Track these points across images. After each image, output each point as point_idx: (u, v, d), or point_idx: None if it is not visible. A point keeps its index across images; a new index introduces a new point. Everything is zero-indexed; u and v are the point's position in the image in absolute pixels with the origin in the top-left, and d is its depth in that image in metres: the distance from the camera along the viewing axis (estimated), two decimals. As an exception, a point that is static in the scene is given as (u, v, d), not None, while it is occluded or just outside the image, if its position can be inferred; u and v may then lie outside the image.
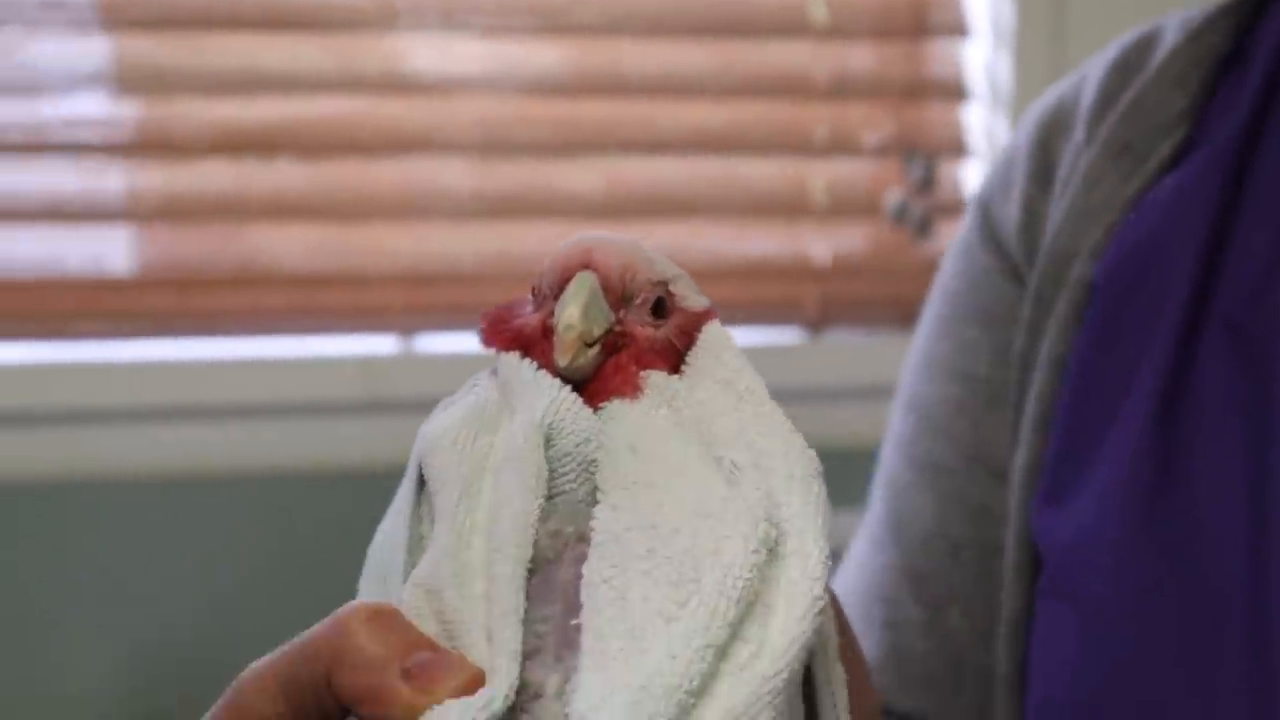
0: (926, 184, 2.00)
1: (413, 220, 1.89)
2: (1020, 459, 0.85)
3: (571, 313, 0.56)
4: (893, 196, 2.00)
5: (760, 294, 2.00)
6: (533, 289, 0.59)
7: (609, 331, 0.58)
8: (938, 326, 0.93)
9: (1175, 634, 0.77)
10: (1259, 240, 0.81)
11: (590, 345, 0.57)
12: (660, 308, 0.59)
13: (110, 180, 1.82)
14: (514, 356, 0.58)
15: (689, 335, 0.59)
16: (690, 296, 0.60)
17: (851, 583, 0.92)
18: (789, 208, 2.01)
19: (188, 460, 1.78)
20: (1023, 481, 0.84)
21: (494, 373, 0.59)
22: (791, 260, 2.01)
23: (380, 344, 1.90)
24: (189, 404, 1.80)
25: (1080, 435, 0.83)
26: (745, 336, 2.05)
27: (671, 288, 0.60)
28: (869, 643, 0.88)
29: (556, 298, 0.58)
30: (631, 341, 0.58)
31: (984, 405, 0.89)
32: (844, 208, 2.01)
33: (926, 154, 2.00)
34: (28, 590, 1.72)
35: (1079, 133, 0.89)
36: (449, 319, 1.88)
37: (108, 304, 1.83)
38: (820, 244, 2.02)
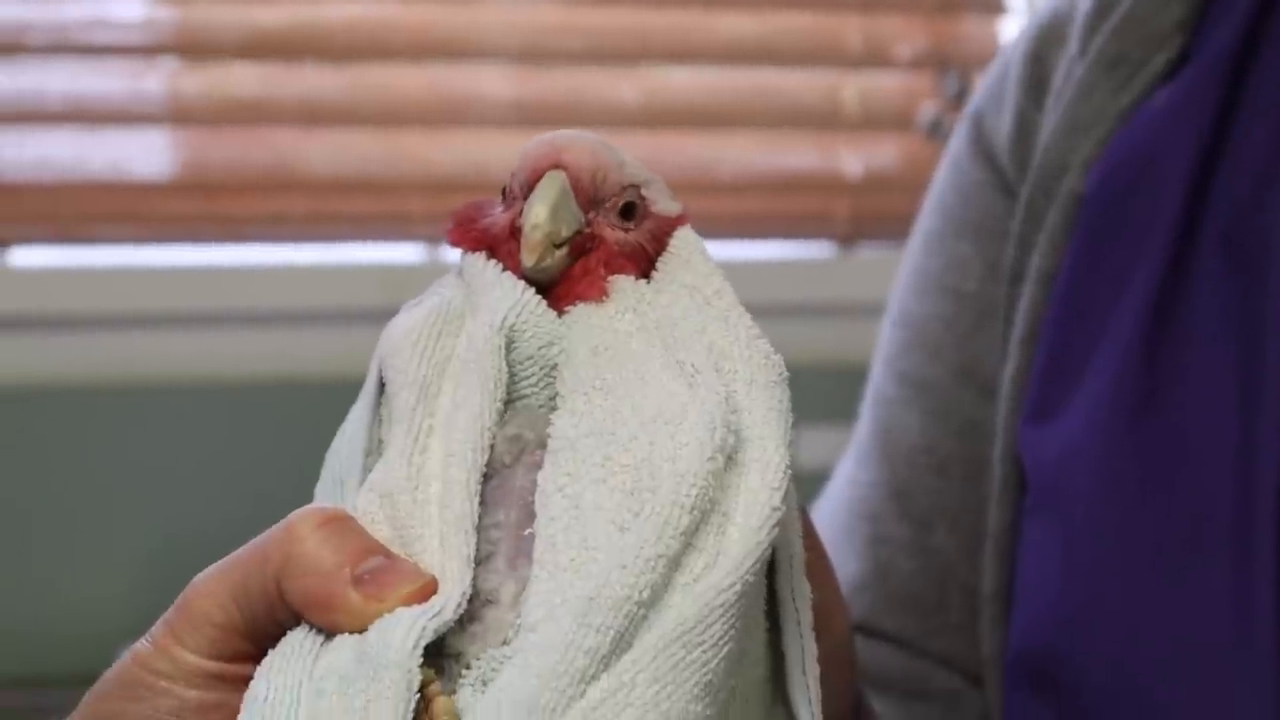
0: (961, 98, 1.97)
1: (444, 128, 1.87)
2: (1008, 374, 0.83)
3: (539, 212, 0.55)
4: (926, 110, 1.97)
5: (791, 207, 1.98)
6: (503, 189, 0.58)
7: (578, 233, 0.56)
8: (928, 242, 0.92)
9: (1159, 551, 0.76)
10: (1253, 154, 0.79)
11: (558, 247, 0.55)
12: (631, 211, 0.57)
13: (145, 83, 1.80)
14: (479, 256, 0.56)
15: (660, 240, 0.57)
16: (662, 201, 0.58)
17: (837, 500, 0.90)
18: (821, 120, 1.99)
19: (215, 365, 1.77)
20: (1010, 397, 0.83)
21: (459, 273, 0.58)
22: (823, 174, 1.99)
23: (407, 252, 1.89)
24: (218, 310, 1.79)
25: (1068, 351, 0.81)
26: (775, 250, 2.05)
27: (644, 191, 0.58)
28: (854, 561, 0.86)
29: (525, 198, 0.56)
30: (600, 244, 0.56)
31: (973, 321, 0.87)
32: (876, 121, 1.99)
33: (961, 68, 1.98)
34: (61, 491, 1.72)
35: (1073, 44, 0.87)
36: (478, 227, 1.86)
37: (139, 208, 1.81)
38: (852, 158, 1.99)
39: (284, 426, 1.69)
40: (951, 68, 1.97)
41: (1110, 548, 0.77)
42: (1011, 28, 2.00)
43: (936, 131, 1.97)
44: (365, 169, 1.85)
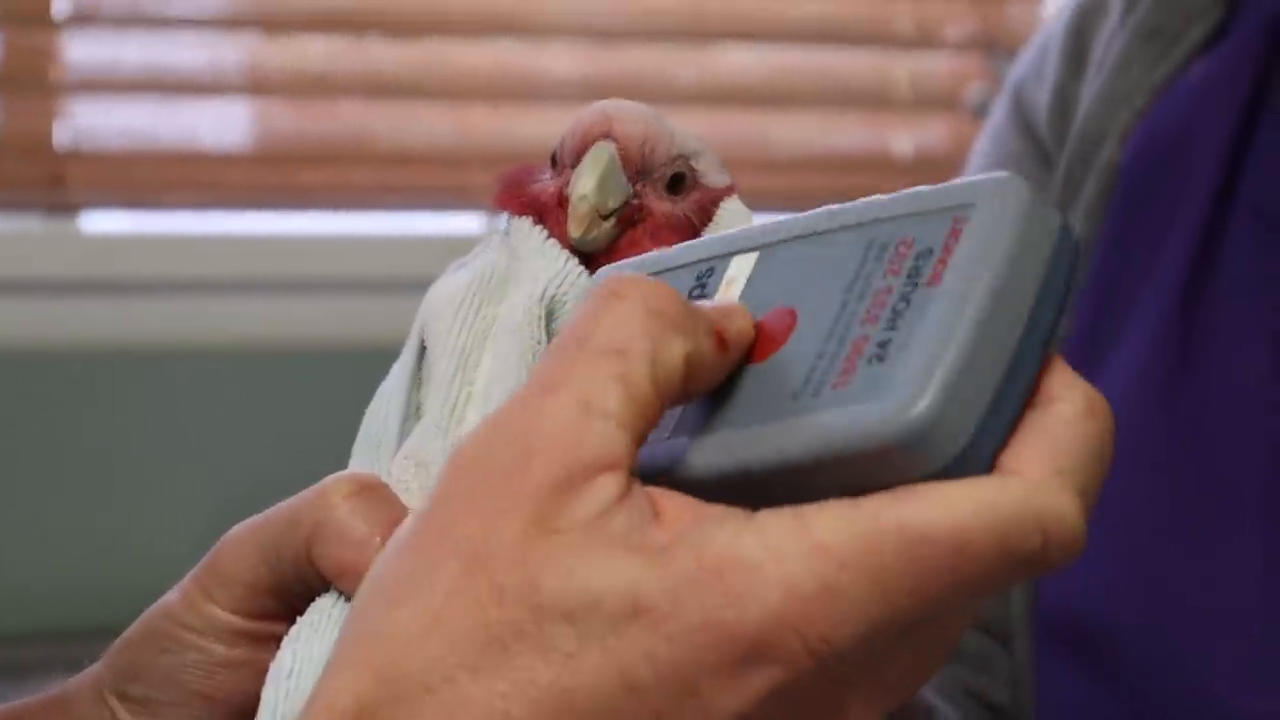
0: (1007, 79, 1.94)
1: (507, 103, 1.85)
2: None
3: (586, 183, 0.53)
4: (974, 91, 1.95)
5: (843, 184, 1.96)
6: (552, 155, 0.56)
7: (626, 205, 0.54)
8: None
9: (1191, 513, 0.75)
10: None
11: (605, 218, 0.53)
12: (679, 183, 0.55)
13: (220, 56, 1.79)
14: (526, 222, 0.55)
15: (708, 212, 0.56)
16: (711, 173, 0.56)
17: None
18: (873, 100, 1.97)
19: (285, 331, 1.77)
20: None
21: (505, 238, 0.55)
22: (874, 152, 1.97)
23: (469, 223, 1.87)
24: (287, 277, 1.78)
25: (1104, 317, 0.80)
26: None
27: (693, 162, 0.56)
28: None
29: (574, 167, 0.54)
30: (648, 216, 0.54)
31: None
32: (926, 101, 1.97)
33: (1007, 50, 1.95)
34: (129, 449, 1.72)
35: (1114, 17, 0.85)
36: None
37: (211, 177, 1.80)
38: (902, 137, 1.97)
39: (350, 391, 1.67)
40: (998, 49, 1.95)
41: (1143, 510, 0.76)
42: (1054, 9, 1.97)
43: (983, 112, 1.94)
44: (430, 142, 1.84)
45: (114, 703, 0.54)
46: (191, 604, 0.52)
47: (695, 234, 0.55)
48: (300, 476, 0.53)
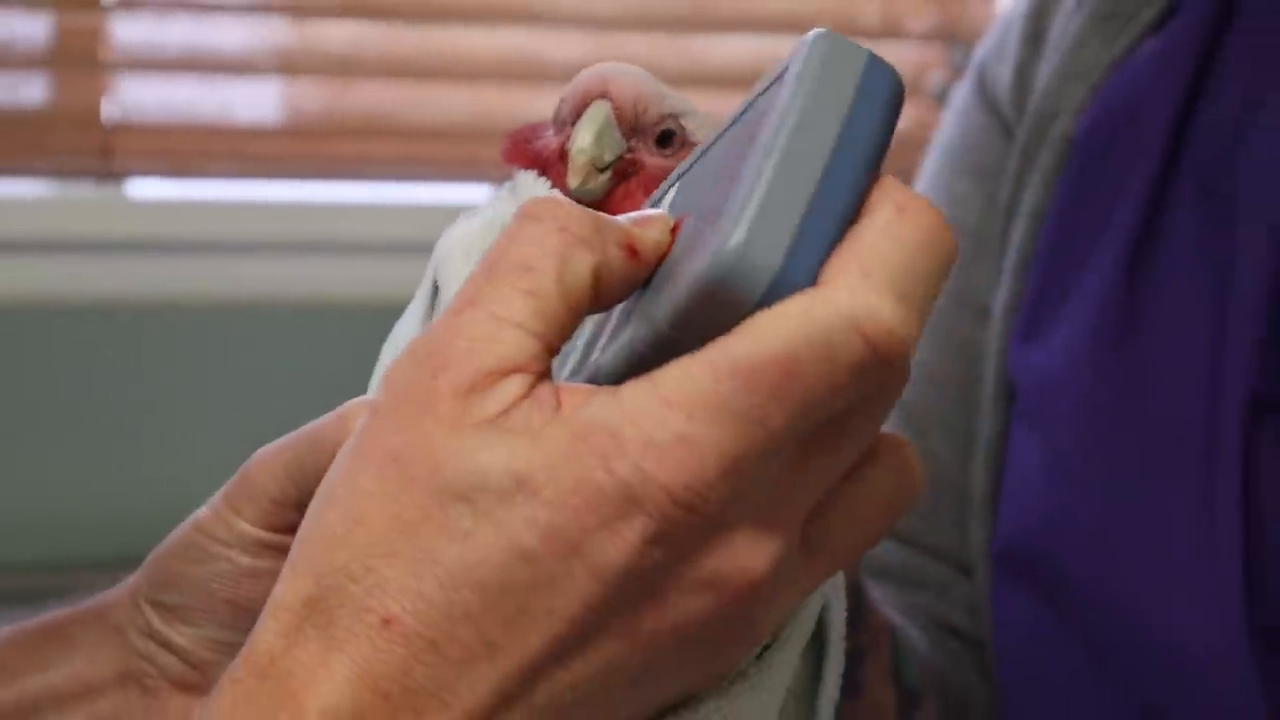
0: (965, 68, 1.92)
1: (514, 84, 1.84)
2: (1001, 299, 0.82)
3: (584, 138, 0.53)
4: (935, 78, 1.93)
5: (816, 161, 1.95)
6: (554, 114, 0.55)
7: (620, 159, 0.53)
8: (932, 180, 0.90)
9: (1133, 461, 0.74)
10: (1229, 104, 0.77)
11: (601, 171, 0.53)
12: (669, 139, 0.55)
13: (254, 38, 1.78)
14: (530, 175, 0.54)
15: None
16: (699, 131, 0.56)
17: None
18: (844, 86, 1.95)
19: (309, 289, 1.75)
20: (1002, 319, 0.81)
21: (512, 189, 0.55)
22: (844, 132, 1.96)
23: (479, 193, 1.86)
24: (312, 240, 1.77)
25: (1056, 278, 0.79)
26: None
27: (682, 121, 0.56)
28: None
29: (573, 124, 0.54)
30: (641, 170, 0.54)
31: (971, 251, 0.85)
32: (892, 87, 1.95)
33: (965, 41, 1.94)
34: (169, 396, 1.71)
35: (1070, 1, 0.84)
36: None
37: (244, 148, 1.79)
38: (870, 119, 1.96)
39: (366, 344, 1.67)
40: (956, 41, 1.94)
41: (1089, 456, 0.75)
42: (1010, 5, 1.95)
43: (943, 97, 1.93)
44: (445, 119, 1.82)
45: (148, 610, 0.53)
46: (221, 518, 0.51)
47: None
48: (317, 415, 0.52)
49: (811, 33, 0.42)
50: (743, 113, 0.45)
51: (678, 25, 1.89)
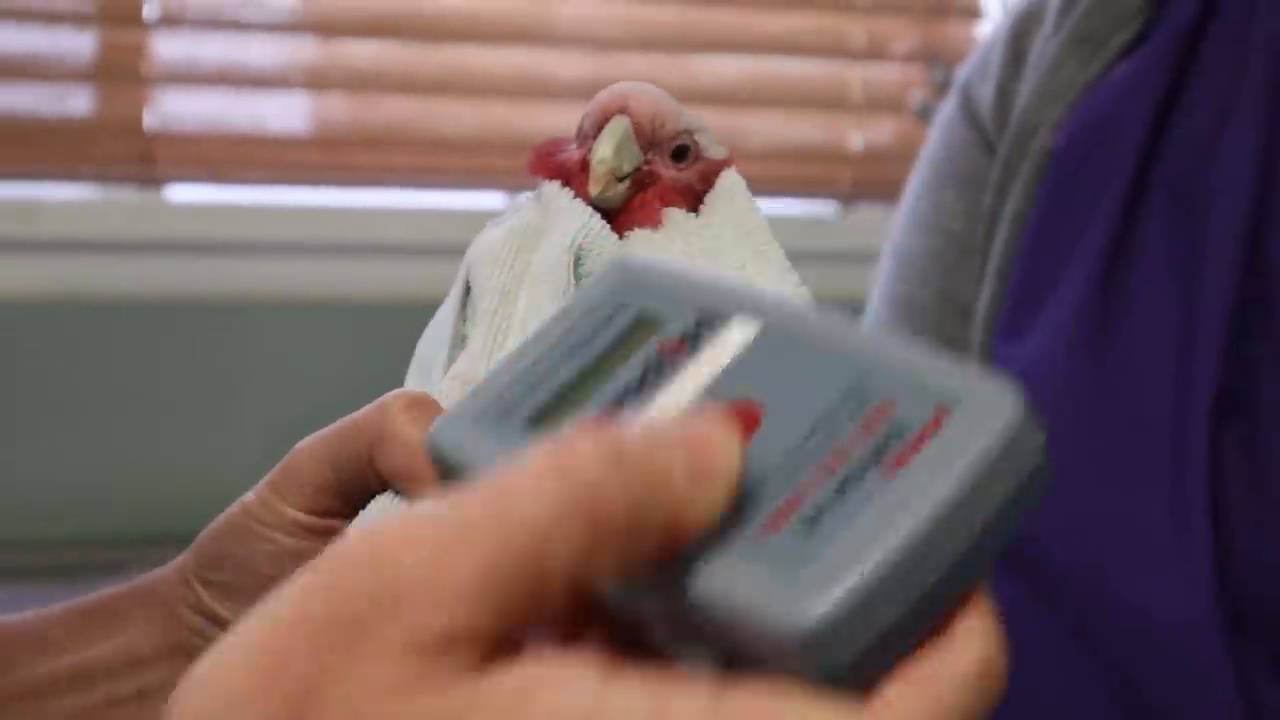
0: (945, 87, 1.92)
1: (522, 99, 1.84)
2: (984, 299, 0.81)
3: (605, 150, 0.53)
4: (916, 97, 1.93)
5: (804, 173, 1.95)
6: (578, 129, 0.55)
7: (638, 170, 0.53)
8: (921, 189, 0.89)
9: (1109, 452, 0.74)
10: (1198, 122, 0.77)
11: (620, 180, 0.53)
12: (684, 153, 0.54)
13: (285, 55, 1.77)
14: (555, 185, 0.54)
15: (708, 180, 0.55)
16: (712, 146, 0.56)
17: None
18: (831, 103, 1.95)
19: (334, 288, 1.75)
20: (985, 318, 0.81)
21: (537, 197, 0.55)
22: (831, 146, 1.96)
23: (491, 199, 1.86)
24: (336, 242, 1.77)
25: (1035, 281, 0.79)
26: (791, 208, 2.01)
27: (696, 137, 0.55)
28: None
29: (595, 137, 0.53)
30: (657, 180, 0.54)
31: (956, 255, 0.85)
32: (876, 104, 1.95)
33: (946, 62, 1.93)
34: (205, 388, 1.71)
35: (1049, 24, 0.84)
36: (549, 181, 1.83)
37: (275, 157, 1.78)
38: (855, 134, 1.96)
39: (385, 340, 1.67)
40: (938, 62, 1.93)
41: (1068, 447, 0.75)
42: (987, 29, 1.95)
43: (925, 114, 1.92)
44: (459, 132, 1.82)
45: (198, 587, 0.53)
46: (266, 503, 0.51)
47: (698, 197, 0.54)
48: (343, 409, 0.52)
49: (996, 383, 0.34)
50: (868, 359, 0.36)
51: (674, 46, 1.89)
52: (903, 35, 1.95)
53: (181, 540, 0.55)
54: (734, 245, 0.53)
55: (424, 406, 0.49)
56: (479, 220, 1.84)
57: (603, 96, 0.54)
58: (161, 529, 1.49)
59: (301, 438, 0.52)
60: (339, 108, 1.81)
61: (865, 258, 1.89)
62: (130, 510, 1.65)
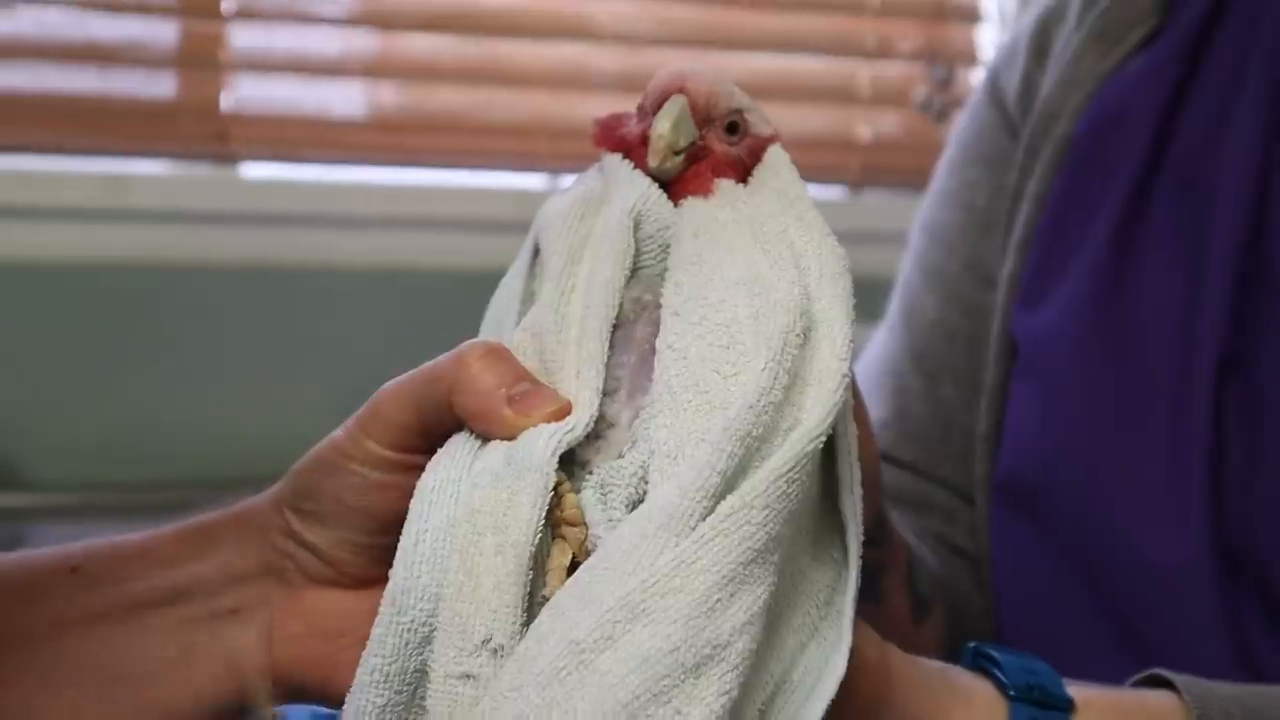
0: (945, 84, 1.92)
1: (562, 89, 1.83)
2: (1006, 270, 0.81)
3: (663, 125, 0.53)
4: (919, 92, 1.92)
5: (817, 161, 1.94)
6: (638, 106, 0.55)
7: (693, 144, 0.53)
8: (949, 168, 0.89)
9: (1116, 406, 0.74)
10: (1205, 112, 0.77)
11: (677, 153, 0.53)
12: (734, 129, 0.54)
13: (348, 46, 1.77)
14: (617, 157, 0.54)
15: (756, 154, 0.55)
16: (760, 124, 0.56)
17: (871, 359, 0.88)
18: (841, 97, 1.94)
19: (390, 257, 1.75)
20: (1007, 287, 0.81)
21: (600, 168, 0.54)
22: (841, 137, 1.95)
23: (534, 180, 1.86)
24: (394, 216, 1.77)
25: (1054, 254, 0.79)
26: (803, 191, 2.01)
27: (746, 115, 0.55)
28: (880, 406, 0.84)
29: (654, 113, 0.53)
30: (710, 154, 0.54)
31: (981, 228, 0.84)
32: (882, 99, 1.94)
33: (947, 61, 1.92)
34: (276, 347, 1.71)
35: (1071, 20, 0.84)
36: (587, 164, 1.82)
37: (339, 139, 1.78)
38: (863, 126, 1.95)
39: (439, 305, 1.67)
40: (940, 61, 1.92)
41: (1078, 402, 0.75)
42: (986, 32, 1.94)
43: (927, 108, 1.91)
44: (506, 117, 1.81)
45: (289, 515, 0.53)
46: (353, 439, 0.51)
47: (747, 170, 0.54)
48: (391, 364, 0.52)
49: None
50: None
51: (701, 42, 1.88)
52: (908, 36, 1.94)
53: (257, 482, 0.55)
54: (778, 212, 0.53)
55: (497, 354, 0.49)
56: (523, 199, 1.84)
57: (662, 76, 0.54)
58: (241, 472, 1.49)
59: (355, 389, 0.52)
60: (396, 95, 1.81)
61: (872, 239, 1.89)
62: (215, 453, 1.65)
